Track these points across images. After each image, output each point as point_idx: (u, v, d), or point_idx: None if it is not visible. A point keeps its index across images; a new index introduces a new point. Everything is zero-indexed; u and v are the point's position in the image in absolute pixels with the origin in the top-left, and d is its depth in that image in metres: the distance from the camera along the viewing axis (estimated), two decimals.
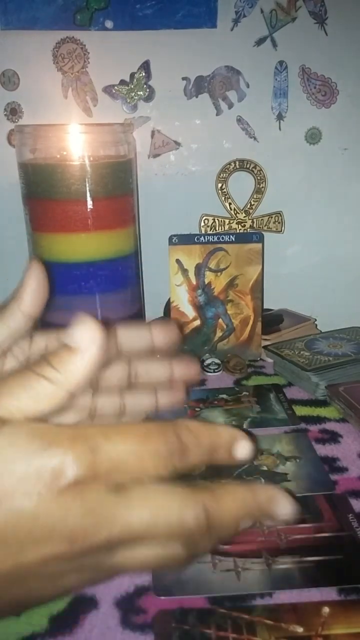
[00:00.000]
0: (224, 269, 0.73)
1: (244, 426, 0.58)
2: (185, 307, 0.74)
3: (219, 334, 0.75)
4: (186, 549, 0.27)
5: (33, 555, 0.24)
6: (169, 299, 0.75)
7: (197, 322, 0.74)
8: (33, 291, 0.36)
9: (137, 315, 0.74)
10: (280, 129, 0.82)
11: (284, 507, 0.29)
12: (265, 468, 0.50)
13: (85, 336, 0.27)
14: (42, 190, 0.65)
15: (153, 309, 0.81)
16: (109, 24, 0.75)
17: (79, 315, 0.27)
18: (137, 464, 0.25)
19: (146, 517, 0.25)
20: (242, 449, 0.29)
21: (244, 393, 0.65)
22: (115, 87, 0.78)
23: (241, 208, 0.83)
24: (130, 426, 0.27)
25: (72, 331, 0.27)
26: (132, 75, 0.78)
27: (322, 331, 0.79)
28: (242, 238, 0.74)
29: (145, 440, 0.26)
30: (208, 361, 0.72)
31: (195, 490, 0.27)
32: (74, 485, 0.24)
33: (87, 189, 0.64)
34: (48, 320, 0.70)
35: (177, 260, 0.73)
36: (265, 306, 0.81)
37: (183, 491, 0.26)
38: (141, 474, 0.25)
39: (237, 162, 0.82)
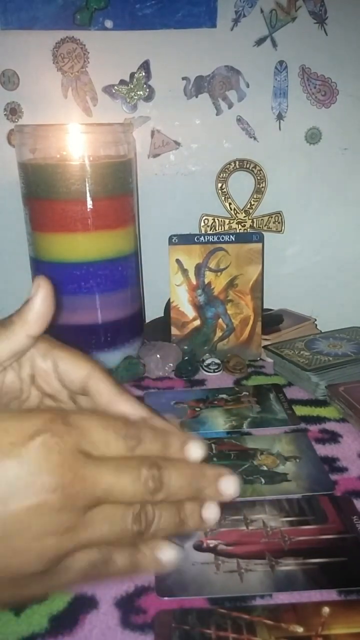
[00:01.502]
0: (224, 268, 0.73)
1: (244, 426, 0.58)
2: (185, 307, 0.74)
3: (219, 334, 0.75)
4: (140, 525, 0.30)
5: (17, 505, 0.27)
6: (169, 299, 0.75)
7: (197, 322, 0.74)
8: (39, 314, 0.36)
9: (137, 315, 0.74)
10: (280, 129, 0.82)
11: (230, 486, 0.32)
12: (265, 468, 0.50)
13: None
14: (42, 190, 0.65)
15: (153, 309, 0.81)
16: (108, 23, 0.75)
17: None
18: (102, 436, 0.29)
19: (112, 474, 0.29)
20: (194, 450, 0.32)
21: (244, 393, 0.65)
22: (115, 87, 0.78)
23: (241, 208, 0.83)
24: (97, 412, 0.33)
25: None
26: (132, 75, 0.78)
27: (322, 331, 0.79)
28: (242, 238, 0.74)
29: (107, 419, 0.30)
30: (208, 361, 0.72)
31: (149, 456, 0.31)
32: (52, 436, 0.28)
33: (87, 189, 0.64)
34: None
35: (177, 260, 0.73)
36: (265, 306, 0.81)
37: (138, 457, 0.30)
38: (104, 445, 0.29)
39: (237, 162, 0.82)
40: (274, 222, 0.84)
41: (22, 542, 0.28)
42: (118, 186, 0.66)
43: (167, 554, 0.32)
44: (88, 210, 0.64)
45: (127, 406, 0.36)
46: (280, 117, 0.81)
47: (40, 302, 0.35)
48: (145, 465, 0.30)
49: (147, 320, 0.81)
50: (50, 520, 0.28)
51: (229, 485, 0.33)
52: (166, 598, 0.37)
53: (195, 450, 0.32)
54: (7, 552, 0.28)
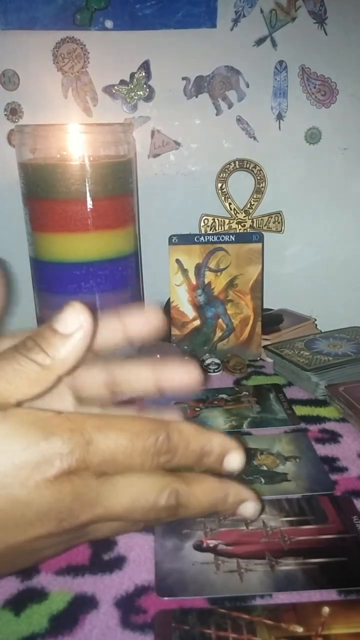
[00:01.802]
0: (224, 268, 0.73)
1: (244, 426, 0.58)
2: (185, 307, 0.74)
3: (218, 333, 0.75)
4: (149, 524, 0.31)
5: (23, 537, 0.26)
6: (169, 299, 0.75)
7: (197, 322, 0.74)
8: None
9: None
10: (280, 129, 0.82)
11: (249, 511, 0.31)
12: (265, 468, 0.50)
13: (73, 321, 0.27)
14: (42, 190, 0.65)
15: None
16: (109, 23, 0.75)
17: (68, 301, 0.27)
18: (126, 460, 0.26)
19: (126, 502, 0.27)
20: (233, 462, 0.30)
21: (244, 393, 0.65)
22: (115, 87, 0.78)
23: (241, 208, 0.83)
24: (125, 421, 0.27)
25: (61, 315, 0.27)
26: (132, 75, 0.78)
27: (322, 331, 0.79)
28: (242, 238, 0.74)
29: (136, 437, 0.27)
30: (208, 361, 0.72)
31: (172, 478, 0.28)
32: (67, 473, 0.25)
33: (87, 189, 0.64)
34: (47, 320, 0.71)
35: (177, 260, 0.73)
36: (265, 306, 0.81)
37: (160, 479, 0.28)
38: (127, 469, 0.27)
39: (237, 162, 0.82)
40: (274, 222, 0.84)
41: (20, 559, 0.28)
42: (118, 186, 0.66)
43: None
44: (88, 210, 0.64)
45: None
46: (280, 117, 0.81)
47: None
48: (164, 494, 0.27)
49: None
50: (50, 542, 0.27)
51: (247, 511, 0.32)
52: (166, 598, 0.37)
53: (235, 463, 0.30)
54: (5, 566, 0.29)
